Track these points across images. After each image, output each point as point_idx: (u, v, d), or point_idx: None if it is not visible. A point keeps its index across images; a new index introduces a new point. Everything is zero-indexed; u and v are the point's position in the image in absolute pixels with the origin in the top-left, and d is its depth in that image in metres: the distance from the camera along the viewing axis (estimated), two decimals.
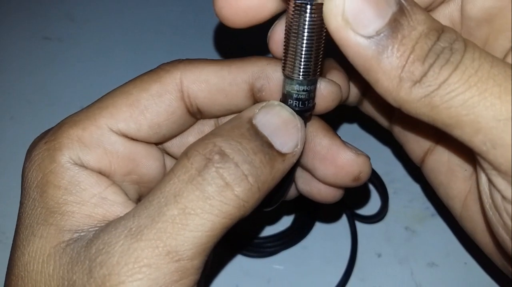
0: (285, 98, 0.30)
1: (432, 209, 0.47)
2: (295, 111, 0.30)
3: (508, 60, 0.27)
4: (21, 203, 0.30)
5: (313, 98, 0.30)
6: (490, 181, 0.25)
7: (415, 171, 0.49)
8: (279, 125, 0.29)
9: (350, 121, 0.52)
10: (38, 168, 0.29)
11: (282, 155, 0.28)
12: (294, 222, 0.46)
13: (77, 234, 0.27)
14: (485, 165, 0.25)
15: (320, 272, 0.44)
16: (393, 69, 0.24)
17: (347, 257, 0.44)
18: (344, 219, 0.46)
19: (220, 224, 0.26)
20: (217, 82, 0.31)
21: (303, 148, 0.30)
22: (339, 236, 0.46)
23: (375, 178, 0.46)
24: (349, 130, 0.51)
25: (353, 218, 0.46)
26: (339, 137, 0.33)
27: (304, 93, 0.29)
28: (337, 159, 0.32)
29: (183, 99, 0.31)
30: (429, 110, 0.24)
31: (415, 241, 0.46)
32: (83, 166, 0.29)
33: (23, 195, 0.30)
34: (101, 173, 0.30)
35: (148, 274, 0.25)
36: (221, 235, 0.27)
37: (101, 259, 0.25)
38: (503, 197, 0.25)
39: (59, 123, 0.31)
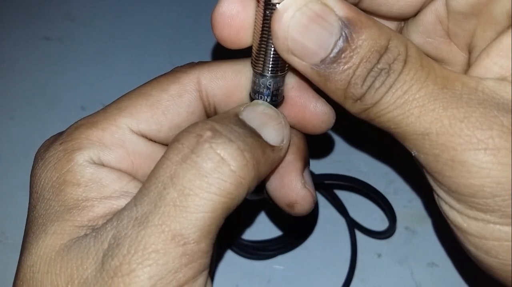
0: (256, 95, 0.31)
1: (432, 209, 0.47)
2: None
3: (497, 49, 0.27)
4: (32, 206, 0.28)
5: (282, 93, 0.31)
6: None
7: (415, 171, 0.49)
8: (265, 120, 0.29)
9: (351, 120, 0.52)
10: (54, 168, 0.28)
11: (270, 145, 0.28)
12: (292, 226, 0.46)
13: (91, 229, 0.27)
14: (418, 162, 0.29)
15: (320, 272, 0.44)
16: (337, 90, 0.27)
17: (347, 257, 0.44)
18: (344, 220, 0.47)
19: (221, 204, 0.25)
20: (234, 77, 0.31)
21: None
22: (339, 237, 0.46)
23: (380, 198, 0.45)
24: (350, 130, 0.51)
25: (353, 227, 0.45)
26: (306, 162, 0.33)
27: (274, 88, 0.30)
28: (284, 177, 0.32)
29: (202, 99, 0.31)
30: (368, 119, 0.28)
31: (415, 241, 0.46)
32: (103, 165, 0.28)
33: (35, 197, 0.28)
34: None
35: (156, 259, 0.24)
36: (223, 217, 0.26)
37: (112, 252, 0.25)
38: (434, 190, 0.29)
39: (73, 124, 0.30)
